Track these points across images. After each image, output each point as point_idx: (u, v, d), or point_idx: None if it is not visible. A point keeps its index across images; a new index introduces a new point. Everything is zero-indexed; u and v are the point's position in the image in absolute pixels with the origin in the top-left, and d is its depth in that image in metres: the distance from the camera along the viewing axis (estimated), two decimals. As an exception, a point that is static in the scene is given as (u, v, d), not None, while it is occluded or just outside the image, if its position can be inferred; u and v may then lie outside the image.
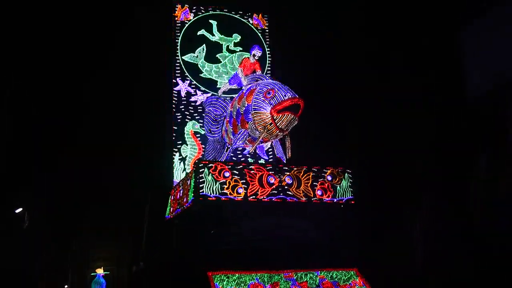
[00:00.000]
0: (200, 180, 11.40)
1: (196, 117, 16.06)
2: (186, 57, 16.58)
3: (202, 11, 17.28)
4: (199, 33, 16.95)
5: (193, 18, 17.12)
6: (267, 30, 17.74)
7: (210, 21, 17.22)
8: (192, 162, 15.54)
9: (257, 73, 13.85)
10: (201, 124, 15.94)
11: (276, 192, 11.79)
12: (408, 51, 16.36)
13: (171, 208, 13.79)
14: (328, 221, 12.39)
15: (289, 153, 12.64)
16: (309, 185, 12.14)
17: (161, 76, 16.24)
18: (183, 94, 16.18)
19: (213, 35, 17.09)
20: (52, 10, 16.75)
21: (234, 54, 17.11)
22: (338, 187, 12.38)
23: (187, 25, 16.95)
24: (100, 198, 17.00)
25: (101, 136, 17.31)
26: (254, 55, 14.18)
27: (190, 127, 15.87)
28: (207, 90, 16.43)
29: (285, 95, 11.84)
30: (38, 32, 16.66)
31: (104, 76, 16.87)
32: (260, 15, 17.94)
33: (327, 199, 12.20)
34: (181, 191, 12.83)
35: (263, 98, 12.30)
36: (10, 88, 15.45)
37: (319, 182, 12.24)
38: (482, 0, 14.98)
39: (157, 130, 16.06)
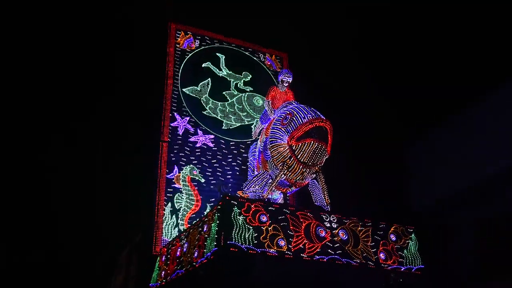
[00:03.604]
0: (227, 223, 7.89)
1: (194, 162, 12.69)
2: (187, 90, 13.53)
3: (208, 41, 14.55)
4: (204, 65, 14.07)
5: (198, 48, 14.31)
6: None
7: (217, 54, 14.45)
8: (187, 216, 11.95)
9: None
10: (200, 170, 12.60)
11: (328, 249, 8.38)
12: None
13: (163, 272, 9.96)
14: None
15: (327, 198, 9.42)
16: (368, 244, 8.83)
17: (156, 108, 12.96)
18: (180, 131, 12.89)
19: (220, 69, 14.26)
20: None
21: (244, 94, 14.23)
22: (406, 251, 9.11)
23: (190, 54, 14.09)
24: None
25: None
26: (282, 82, 11.23)
27: (187, 172, 12.43)
28: (209, 130, 13.25)
29: (304, 118, 8.91)
30: (29, 64, 13.19)
31: (86, 103, 13.29)
32: (274, 56, 15.40)
33: (392, 266, 8.86)
34: (186, 245, 9.16)
35: (279, 127, 9.35)
36: None
37: (381, 242, 8.96)
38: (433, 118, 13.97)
39: (144, 173, 12.45)
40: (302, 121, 9.01)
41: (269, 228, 8.11)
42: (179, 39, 14.09)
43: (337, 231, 8.65)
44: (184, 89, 13.46)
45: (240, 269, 7.78)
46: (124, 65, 13.42)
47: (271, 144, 9.58)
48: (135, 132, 12.96)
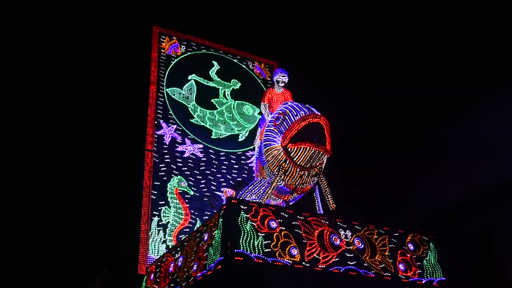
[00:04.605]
0: (234, 230, 6.92)
1: (185, 172, 11.71)
2: (174, 97, 12.62)
3: (194, 47, 13.73)
4: (189, 77, 13.16)
5: (184, 53, 13.46)
6: (269, 81, 14.34)
7: (213, 62, 13.62)
8: (175, 231, 10.90)
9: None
10: (188, 182, 11.62)
11: (344, 259, 7.47)
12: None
13: (152, 291, 8.84)
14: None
15: (332, 204, 8.50)
16: (386, 254, 7.96)
17: (141, 116, 12.01)
18: (167, 140, 11.93)
19: (211, 79, 13.39)
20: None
21: (233, 102, 13.39)
22: (425, 262, 8.27)
23: (175, 60, 13.22)
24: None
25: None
26: (277, 82, 10.25)
27: (175, 184, 11.44)
28: (198, 139, 12.33)
29: (296, 115, 8.10)
30: (29, 65, 12.49)
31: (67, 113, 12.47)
32: (263, 64, 14.66)
33: (413, 278, 7.99)
34: (181, 259, 8.10)
35: (272, 128, 8.49)
36: None
37: (399, 252, 8.11)
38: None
39: (130, 184, 11.43)
40: (294, 119, 8.14)
41: (280, 235, 7.16)
42: (163, 44, 13.23)
43: (352, 239, 7.77)
44: (170, 96, 12.56)
45: (248, 281, 6.79)
46: (123, 65, 12.63)
47: (265, 148, 8.67)
48: (134, 132, 12.05)
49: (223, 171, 12.13)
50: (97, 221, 11.56)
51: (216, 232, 7.15)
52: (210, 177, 11.89)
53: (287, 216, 7.41)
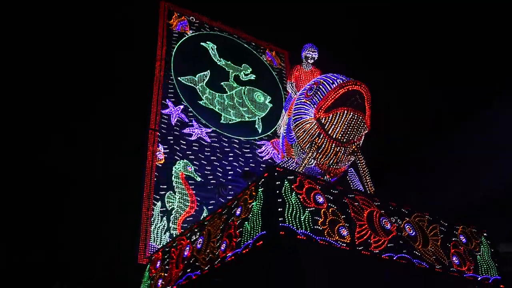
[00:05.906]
0: (277, 200, 5.79)
1: (190, 156, 10.52)
2: (182, 78, 11.53)
3: (206, 26, 12.71)
4: (203, 43, 12.18)
5: (194, 32, 12.41)
6: (283, 71, 13.36)
7: (207, 43, 12.51)
8: (180, 219, 9.66)
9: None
10: (196, 167, 10.44)
11: (395, 246, 6.40)
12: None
13: (160, 281, 7.57)
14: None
15: (371, 187, 7.39)
16: (439, 244, 6.92)
17: (145, 92, 10.88)
18: (173, 121, 10.76)
19: (217, 59, 12.38)
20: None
21: (244, 87, 12.33)
22: (478, 257, 7.26)
23: (184, 38, 12.14)
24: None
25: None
26: (306, 58, 9.17)
27: (181, 168, 10.24)
28: (206, 123, 11.20)
29: (332, 83, 7.03)
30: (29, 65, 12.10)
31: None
32: (274, 52, 13.69)
33: (468, 273, 6.95)
34: (201, 241, 6.89)
35: (304, 100, 7.42)
36: None
37: (451, 243, 7.08)
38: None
39: (130, 183, 10.28)
40: (330, 87, 7.04)
41: (328, 212, 6.06)
42: (171, 20, 12.15)
43: (402, 224, 6.71)
44: (177, 76, 11.44)
45: (293, 260, 5.63)
46: (123, 65, 11.78)
47: (295, 122, 7.52)
48: (135, 132, 11.01)
49: (230, 158, 10.98)
50: (97, 221, 10.60)
51: (254, 204, 5.99)
52: (217, 163, 10.73)
53: (333, 191, 6.34)
